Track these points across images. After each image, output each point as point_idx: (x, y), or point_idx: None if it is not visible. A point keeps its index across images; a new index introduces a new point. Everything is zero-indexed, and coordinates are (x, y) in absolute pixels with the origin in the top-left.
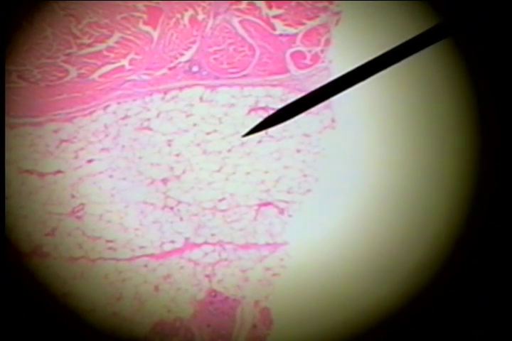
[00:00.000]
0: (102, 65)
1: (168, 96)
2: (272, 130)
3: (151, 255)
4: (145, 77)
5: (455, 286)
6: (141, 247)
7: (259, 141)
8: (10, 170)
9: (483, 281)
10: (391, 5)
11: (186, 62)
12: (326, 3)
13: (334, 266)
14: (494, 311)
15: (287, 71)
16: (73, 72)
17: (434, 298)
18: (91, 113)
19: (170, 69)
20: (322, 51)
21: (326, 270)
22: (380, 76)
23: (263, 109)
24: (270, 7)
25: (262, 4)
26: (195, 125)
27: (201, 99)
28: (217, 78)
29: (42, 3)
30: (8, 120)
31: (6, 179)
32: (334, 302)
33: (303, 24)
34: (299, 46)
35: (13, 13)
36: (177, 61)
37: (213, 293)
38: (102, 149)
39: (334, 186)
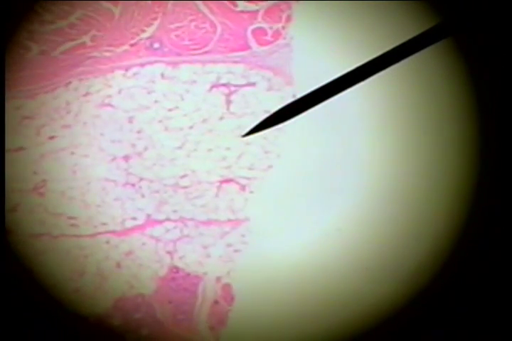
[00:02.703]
0: (64, 42)
1: (129, 73)
2: (233, 106)
3: (113, 231)
4: (106, 54)
5: (455, 286)
6: (103, 224)
7: (221, 118)
8: None
9: (483, 281)
10: (391, 5)
11: (148, 38)
12: None
13: (296, 242)
14: (494, 311)
15: (248, 47)
16: (35, 49)
17: (434, 298)
18: (53, 90)
19: (131, 45)
20: (283, 27)
21: (287, 245)
22: (380, 76)
23: (224, 85)
24: None
25: None
26: (156, 102)
27: (162, 75)
28: (178, 55)
29: None
30: None
31: None
32: (295, 277)
33: (264, 0)
34: (260, 22)
35: None
36: (138, 38)
37: (175, 270)
38: (64, 126)
39: (295, 162)
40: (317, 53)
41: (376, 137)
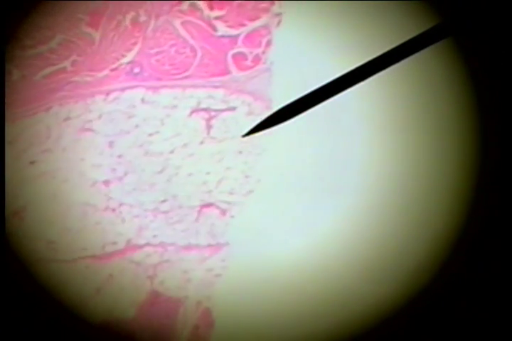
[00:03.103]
0: (45, 67)
1: (110, 98)
2: (213, 131)
3: (93, 256)
4: (87, 79)
5: (455, 286)
6: (83, 248)
7: (201, 142)
8: None
9: (483, 281)
10: (391, 5)
11: (128, 63)
12: (267, 5)
13: (276, 266)
14: (494, 311)
15: (229, 72)
16: (16, 74)
17: (434, 298)
18: (33, 114)
19: (112, 70)
20: (263, 52)
21: (268, 270)
22: (380, 76)
23: (205, 110)
24: (211, 8)
25: (204, 6)
26: (137, 126)
27: (143, 100)
28: (158, 79)
29: None
30: None
31: None
32: (277, 301)
33: (244, 25)
34: (240, 47)
35: None
36: (119, 62)
37: (155, 294)
38: (44, 150)
39: (276, 187)
40: (297, 78)
41: (376, 137)
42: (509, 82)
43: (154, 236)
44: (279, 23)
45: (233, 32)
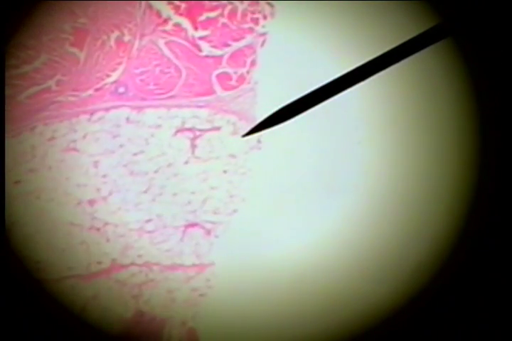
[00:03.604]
0: (29, 87)
1: (94, 117)
2: (198, 151)
3: (79, 276)
4: (71, 99)
5: (455, 286)
6: (69, 268)
7: (186, 162)
8: None
9: (483, 281)
10: (391, 5)
11: (113, 83)
12: (251, 25)
13: (262, 285)
14: (494, 311)
15: (213, 92)
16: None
17: (434, 298)
18: (18, 134)
19: (96, 90)
20: (248, 72)
21: (253, 289)
22: (380, 76)
23: (189, 130)
24: (196, 28)
25: (188, 25)
26: (121, 146)
27: (128, 120)
28: (143, 99)
29: None
30: None
31: None
32: (261, 321)
33: (229, 45)
34: (224, 67)
35: None
36: (103, 82)
37: (140, 313)
38: (29, 170)
39: (260, 206)
40: (281, 97)
41: (375, 137)
42: (509, 82)
43: (139, 255)
44: (263, 42)
45: (218, 52)
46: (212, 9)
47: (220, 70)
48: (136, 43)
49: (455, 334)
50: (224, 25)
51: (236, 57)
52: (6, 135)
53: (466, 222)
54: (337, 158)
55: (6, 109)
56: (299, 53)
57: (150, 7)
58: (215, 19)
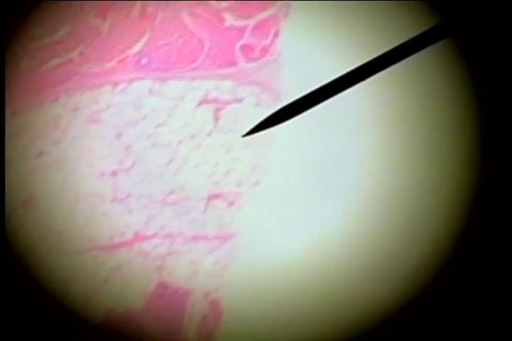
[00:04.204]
0: (52, 58)
1: (117, 89)
2: (221, 122)
3: (101, 247)
4: (94, 70)
5: (455, 286)
6: (91, 239)
7: (209, 134)
8: None
9: (483, 281)
10: (391, 5)
11: (135, 54)
12: None
13: (285, 257)
14: (494, 311)
15: (236, 64)
16: (23, 65)
17: (434, 298)
18: (40, 105)
19: (119, 61)
20: (271, 43)
21: (275, 260)
22: (380, 76)
23: (212, 101)
24: (219, 0)
25: None
26: (144, 117)
27: (150, 91)
28: (166, 71)
29: None
30: None
31: None
32: (286, 289)
33: (252, 17)
34: (248, 39)
35: None
36: (126, 54)
37: (163, 285)
38: (52, 142)
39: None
40: (305, 68)
41: (375, 137)
42: (509, 82)
43: (162, 227)
44: (287, 13)
45: (241, 23)
46: None
47: (243, 42)
48: (160, 15)
49: (455, 334)
50: None
51: (259, 29)
52: (29, 106)
53: (467, 221)
54: (337, 157)
55: (29, 80)
56: (322, 24)
57: None
58: None
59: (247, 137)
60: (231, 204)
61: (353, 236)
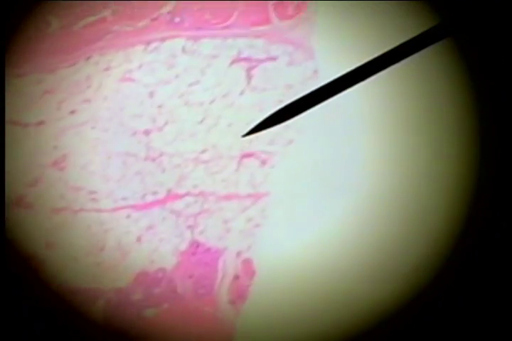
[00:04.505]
0: (85, 16)
1: (150, 48)
2: (254, 81)
3: (134, 206)
4: (127, 28)
5: (455, 286)
6: (124, 198)
7: (242, 92)
8: None
9: (483, 281)
10: (391, 5)
11: (168, 13)
12: None
13: (316, 217)
14: (494, 311)
15: (270, 22)
16: (55, 23)
17: (434, 298)
18: (73, 64)
19: (152, 20)
20: (305, 1)
21: (308, 219)
22: (380, 76)
23: (245, 60)
24: None
25: None
26: (177, 76)
27: (183, 50)
28: (199, 29)
29: None
30: None
31: None
32: (318, 251)
33: None
34: None
35: None
36: (159, 12)
37: (195, 244)
38: (84, 100)
39: (317, 137)
40: (339, 27)
41: (375, 137)
42: (509, 82)
43: (194, 185)
44: None
45: None
46: None
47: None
48: None
49: (455, 334)
50: None
51: None
52: (61, 65)
53: (467, 221)
54: (336, 157)
55: (61, 39)
56: (372, 32)
57: None
58: None
59: (286, 88)
60: (263, 163)
61: (352, 236)
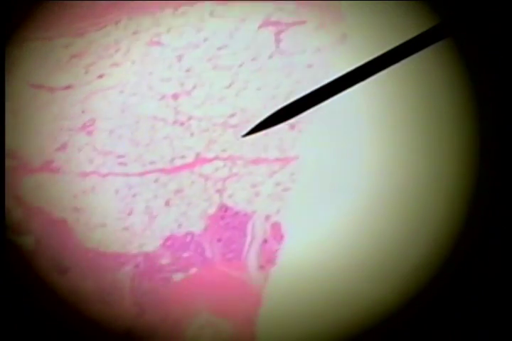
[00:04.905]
0: None
1: (178, 11)
2: (283, 45)
3: (162, 170)
4: None
5: (455, 286)
6: (152, 162)
7: (270, 56)
8: (20, 85)
9: (483, 281)
10: (391, 5)
11: None
12: None
13: (340, 188)
14: (494, 311)
15: None
16: None
17: (434, 298)
18: (102, 28)
19: None
20: None
21: (337, 185)
22: (380, 76)
23: (274, 23)
24: None
25: None
26: (205, 40)
27: (212, 13)
28: None
29: None
30: (19, 34)
31: (13, 94)
32: (345, 215)
33: None
34: None
35: None
36: None
37: (224, 208)
38: (113, 64)
39: (344, 100)
40: None
41: (374, 137)
42: (509, 82)
43: (223, 150)
44: None
45: None
46: None
47: None
48: None
49: (455, 334)
50: None
51: None
52: (90, 29)
53: (467, 221)
54: (336, 157)
55: (90, 2)
56: (372, 32)
57: None
58: None
59: (314, 53)
60: (292, 127)
61: (352, 236)
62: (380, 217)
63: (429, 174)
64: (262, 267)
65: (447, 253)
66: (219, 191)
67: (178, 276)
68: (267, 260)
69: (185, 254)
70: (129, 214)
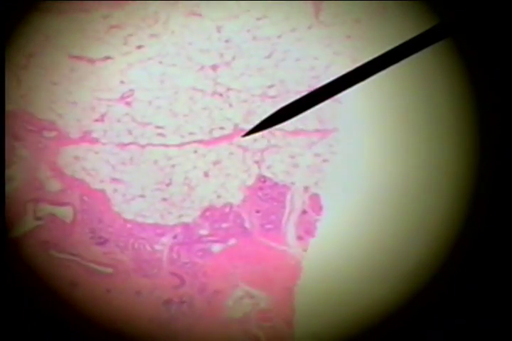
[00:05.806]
0: None
1: None
2: (322, 15)
3: (201, 141)
4: None
5: (455, 286)
6: (191, 133)
7: (310, 27)
8: (59, 56)
9: (483, 281)
10: (391, 5)
11: None
12: None
13: (376, 173)
14: (494, 311)
15: None
16: None
17: (434, 298)
18: None
19: None
20: None
21: (374, 157)
22: (380, 76)
23: None
24: None
25: None
26: (245, 11)
27: None
28: None
29: None
30: (57, 5)
31: (52, 65)
32: (383, 184)
33: None
34: None
35: None
36: None
37: (263, 179)
38: (152, 35)
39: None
40: None
41: (374, 137)
42: (509, 82)
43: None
44: None
45: None
46: None
47: None
48: None
49: (455, 334)
50: None
51: None
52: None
53: (466, 221)
54: (336, 157)
55: None
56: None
57: None
58: None
59: (354, 24)
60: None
61: (352, 236)
62: (380, 217)
63: (429, 174)
64: (300, 238)
65: (447, 253)
66: (257, 162)
67: (216, 247)
68: (306, 231)
69: (224, 225)
70: (168, 185)
